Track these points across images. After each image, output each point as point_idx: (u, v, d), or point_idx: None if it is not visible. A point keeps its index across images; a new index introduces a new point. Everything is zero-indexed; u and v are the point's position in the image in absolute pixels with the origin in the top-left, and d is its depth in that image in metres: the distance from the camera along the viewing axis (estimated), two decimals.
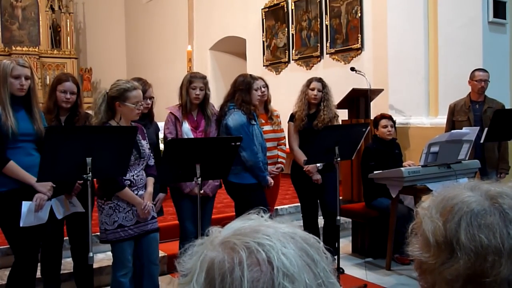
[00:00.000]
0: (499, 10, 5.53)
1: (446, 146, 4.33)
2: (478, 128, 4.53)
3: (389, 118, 4.81)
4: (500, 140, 4.77)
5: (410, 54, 6.06)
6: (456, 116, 5.01)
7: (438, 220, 0.90)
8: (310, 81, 4.50)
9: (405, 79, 6.14)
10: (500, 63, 5.61)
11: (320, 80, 4.50)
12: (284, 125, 4.66)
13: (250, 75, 4.23)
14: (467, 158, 4.51)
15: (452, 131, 4.54)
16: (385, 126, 4.73)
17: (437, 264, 0.88)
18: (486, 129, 4.38)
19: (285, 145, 4.69)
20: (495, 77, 5.22)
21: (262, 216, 0.77)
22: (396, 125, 4.94)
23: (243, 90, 3.98)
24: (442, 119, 5.40)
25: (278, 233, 0.72)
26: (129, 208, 3.16)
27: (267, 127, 4.46)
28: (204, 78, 3.91)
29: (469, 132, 4.41)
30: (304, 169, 4.37)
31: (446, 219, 0.89)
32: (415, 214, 0.98)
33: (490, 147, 4.87)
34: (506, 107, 5.00)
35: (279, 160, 4.56)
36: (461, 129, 4.54)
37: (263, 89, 4.36)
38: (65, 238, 3.73)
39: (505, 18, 5.61)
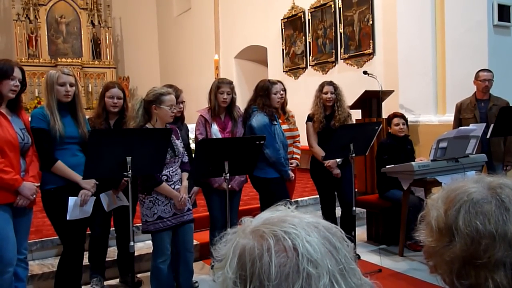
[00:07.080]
0: (503, 14, 5.40)
1: (454, 142, 4.26)
2: (484, 124, 4.43)
3: (401, 116, 4.75)
4: (506, 135, 4.66)
5: (419, 57, 5.96)
6: (463, 114, 4.92)
7: (441, 208, 0.91)
8: (322, 86, 4.46)
9: (415, 80, 6.05)
10: (505, 63, 5.47)
11: (331, 83, 4.46)
12: (302, 124, 4.65)
13: (269, 80, 4.23)
14: (474, 153, 4.43)
15: (460, 127, 4.46)
16: (397, 124, 4.68)
17: (438, 247, 0.90)
18: (492, 125, 4.29)
19: (300, 143, 4.68)
20: (500, 77, 5.10)
21: (289, 208, 0.78)
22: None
23: (263, 95, 4.04)
24: (449, 117, 5.31)
25: (303, 222, 0.72)
26: (167, 201, 3.20)
27: (284, 127, 4.45)
28: (230, 83, 3.92)
29: (475, 129, 4.33)
30: (325, 164, 4.35)
31: (448, 207, 0.90)
32: (425, 205, 0.98)
33: (496, 142, 4.77)
34: (511, 105, 4.88)
35: (294, 156, 4.54)
36: (468, 126, 4.45)
37: (282, 92, 4.35)
38: (111, 229, 3.80)
39: (509, 21, 5.47)
